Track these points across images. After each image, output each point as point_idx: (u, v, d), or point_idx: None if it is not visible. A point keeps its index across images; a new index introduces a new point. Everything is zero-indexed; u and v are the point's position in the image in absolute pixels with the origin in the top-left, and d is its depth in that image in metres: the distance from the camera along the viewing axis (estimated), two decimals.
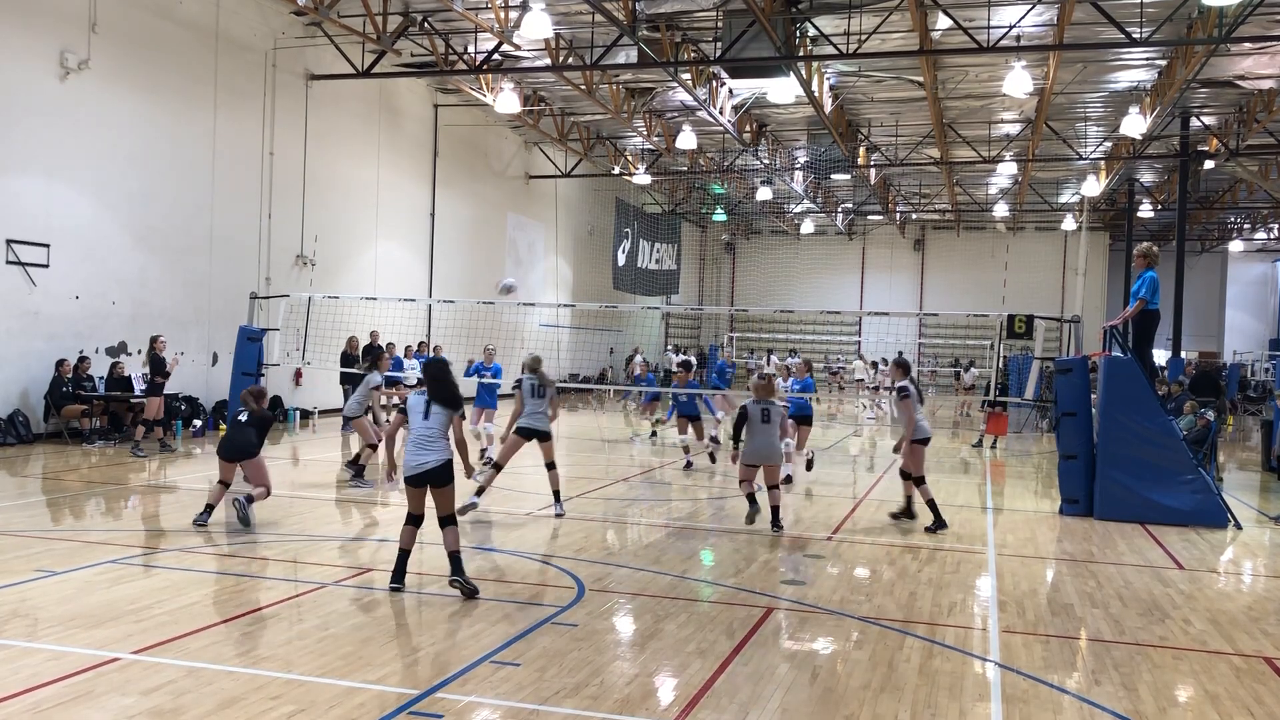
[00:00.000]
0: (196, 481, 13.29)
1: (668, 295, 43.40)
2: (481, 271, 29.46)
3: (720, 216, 44.18)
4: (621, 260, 38.52)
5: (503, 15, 18.99)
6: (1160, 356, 33.22)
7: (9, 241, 15.42)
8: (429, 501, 7.69)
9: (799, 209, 43.15)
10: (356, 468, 12.96)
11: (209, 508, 9.91)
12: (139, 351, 17.61)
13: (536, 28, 17.76)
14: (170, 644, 6.23)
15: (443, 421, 7.72)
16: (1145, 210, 38.51)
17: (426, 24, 20.40)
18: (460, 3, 18.45)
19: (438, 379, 7.86)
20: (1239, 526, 11.70)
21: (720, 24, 19.39)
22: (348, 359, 19.54)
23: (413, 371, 19.83)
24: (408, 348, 21.36)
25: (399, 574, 7.70)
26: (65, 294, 16.36)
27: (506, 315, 24.94)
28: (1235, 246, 45.55)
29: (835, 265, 47.63)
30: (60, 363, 15.98)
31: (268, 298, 17.69)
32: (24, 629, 6.49)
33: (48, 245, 16.00)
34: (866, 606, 7.73)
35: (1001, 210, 40.74)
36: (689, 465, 15.63)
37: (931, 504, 11.06)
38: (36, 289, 15.87)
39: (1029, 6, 17.75)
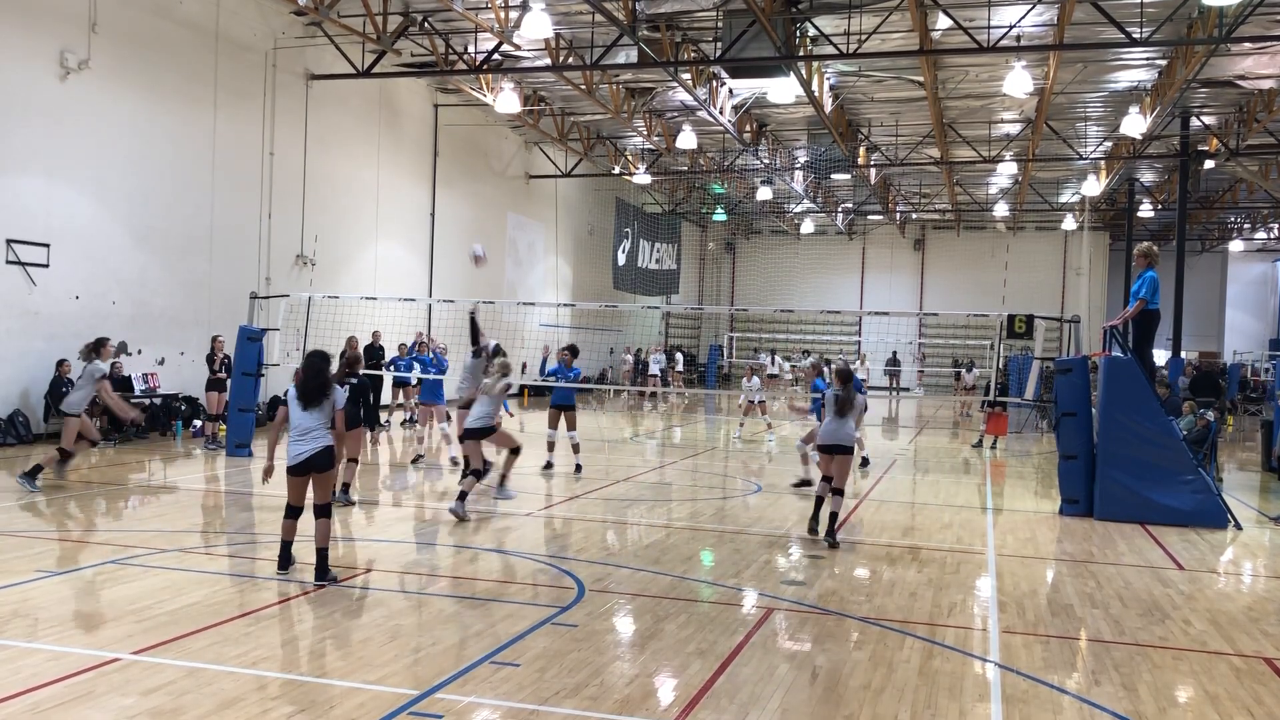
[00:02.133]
0: (196, 482, 13.30)
1: (668, 295, 43.39)
2: (482, 271, 29.45)
3: (720, 216, 44.18)
4: (621, 260, 38.52)
5: (503, 15, 18.99)
6: (1160, 356, 33.23)
7: (9, 241, 15.42)
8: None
9: (799, 209, 43.15)
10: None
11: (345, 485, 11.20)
12: (139, 351, 17.62)
13: (536, 28, 17.75)
14: (170, 644, 6.23)
15: (323, 412, 7.88)
16: (1145, 210, 38.51)
17: (426, 24, 20.40)
18: (460, 3, 18.45)
19: (312, 372, 7.99)
20: (1239, 527, 11.69)
21: (720, 24, 19.38)
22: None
23: (417, 369, 19.72)
24: (402, 345, 21.17)
25: (285, 561, 7.95)
26: (65, 294, 16.36)
27: (506, 315, 24.94)
28: (1235, 246, 45.56)
29: (835, 265, 47.65)
30: (61, 363, 15.97)
31: (268, 298, 17.67)
32: (24, 629, 6.49)
33: (48, 245, 16.00)
34: (866, 606, 7.73)
35: (1001, 210, 40.74)
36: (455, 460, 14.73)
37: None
38: (36, 289, 15.87)
39: (1029, 6, 17.75)
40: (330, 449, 7.88)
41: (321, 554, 7.85)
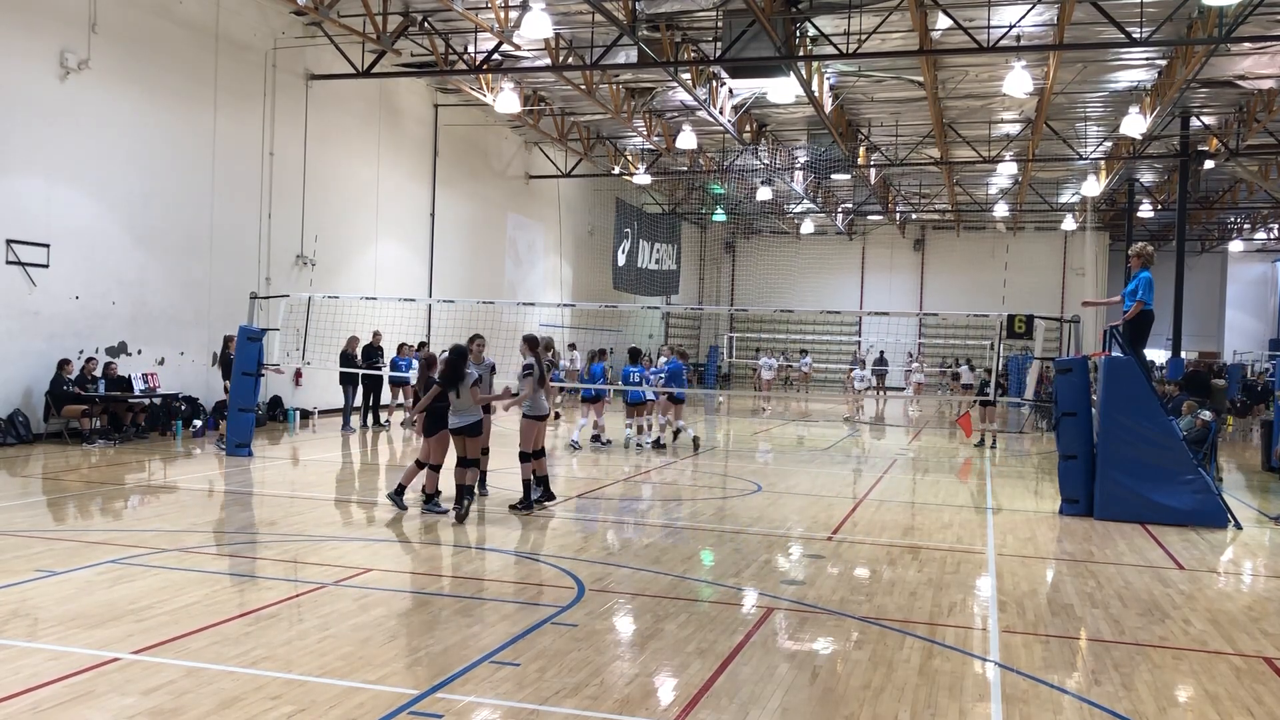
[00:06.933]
0: (197, 482, 13.30)
1: (668, 295, 43.38)
2: (482, 271, 29.46)
3: (720, 216, 44.11)
4: (622, 260, 38.50)
5: (503, 15, 18.99)
6: (1159, 356, 33.21)
7: (9, 241, 15.42)
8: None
9: (799, 209, 43.13)
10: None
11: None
12: (139, 351, 17.62)
13: (536, 28, 17.76)
14: (170, 644, 6.23)
15: (465, 394, 10.71)
16: (1145, 210, 38.52)
17: (426, 24, 20.40)
18: (460, 3, 18.45)
19: (452, 364, 10.72)
20: (1239, 526, 11.70)
21: (720, 24, 19.39)
22: (347, 359, 19.52)
23: (413, 370, 19.76)
24: (404, 345, 21.21)
25: (462, 509, 10.56)
26: (65, 294, 16.35)
27: (506, 315, 24.94)
28: (1235, 246, 45.56)
29: (835, 265, 47.63)
30: (64, 363, 15.96)
31: (268, 298, 17.68)
32: (24, 629, 6.49)
33: (48, 245, 15.99)
34: (866, 606, 7.73)
35: (1001, 210, 40.74)
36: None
37: (529, 484, 11.35)
38: (36, 289, 15.87)
39: (1029, 6, 17.75)
40: (478, 421, 10.86)
41: (462, 489, 10.64)
